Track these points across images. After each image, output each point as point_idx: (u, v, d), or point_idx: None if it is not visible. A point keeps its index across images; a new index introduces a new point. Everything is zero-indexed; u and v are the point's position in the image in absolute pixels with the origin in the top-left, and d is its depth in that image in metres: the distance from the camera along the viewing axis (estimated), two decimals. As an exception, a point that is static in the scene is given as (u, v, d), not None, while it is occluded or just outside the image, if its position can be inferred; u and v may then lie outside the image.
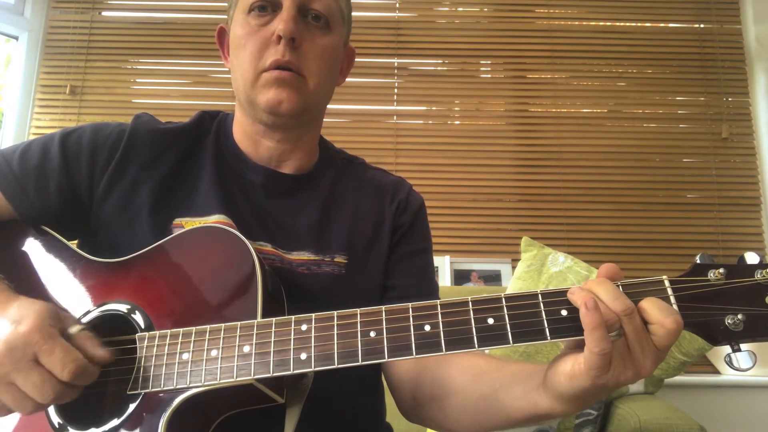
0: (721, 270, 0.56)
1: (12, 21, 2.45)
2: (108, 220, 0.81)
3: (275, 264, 0.81)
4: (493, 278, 2.26)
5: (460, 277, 2.25)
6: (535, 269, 1.82)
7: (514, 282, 1.84)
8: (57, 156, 0.80)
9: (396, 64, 2.50)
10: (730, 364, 0.55)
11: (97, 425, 0.62)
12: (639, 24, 2.52)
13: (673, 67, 2.47)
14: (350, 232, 0.87)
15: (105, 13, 2.56)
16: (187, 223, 0.80)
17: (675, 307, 0.56)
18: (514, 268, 2.13)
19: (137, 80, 2.52)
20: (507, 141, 2.44)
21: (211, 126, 0.91)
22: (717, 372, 2.20)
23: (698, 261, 0.58)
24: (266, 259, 0.80)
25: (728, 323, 0.55)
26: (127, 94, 2.49)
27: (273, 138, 0.86)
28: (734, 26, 2.50)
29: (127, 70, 2.51)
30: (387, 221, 0.90)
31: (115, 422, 0.61)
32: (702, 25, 2.50)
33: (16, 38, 2.50)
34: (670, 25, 2.52)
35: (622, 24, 2.52)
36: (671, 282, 0.57)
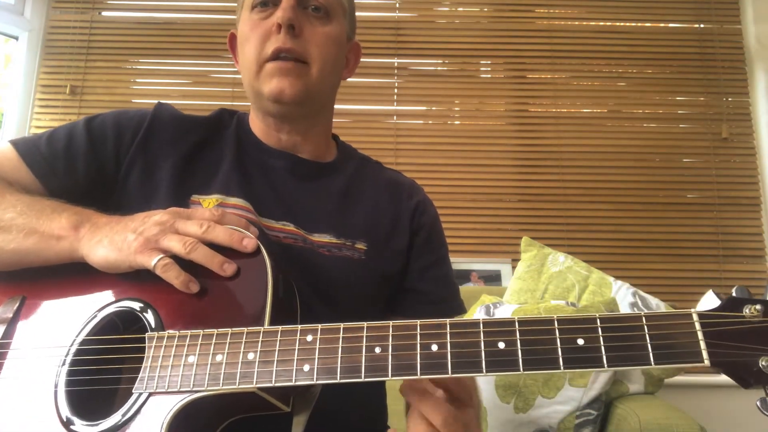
0: (758, 306, 0.52)
1: (12, 21, 2.45)
2: (129, 197, 0.83)
3: (298, 244, 0.82)
4: (493, 278, 2.26)
5: (460, 277, 2.25)
6: (535, 269, 1.82)
7: (514, 282, 1.84)
8: (83, 138, 0.84)
9: (396, 64, 2.50)
10: (763, 408, 0.50)
11: (103, 421, 0.63)
12: (639, 24, 2.52)
13: (673, 67, 2.46)
14: (369, 221, 0.89)
15: (105, 13, 2.56)
16: (205, 201, 0.82)
17: (702, 344, 0.52)
18: (514, 268, 2.12)
19: (137, 80, 2.52)
20: (507, 141, 2.43)
21: (231, 121, 0.94)
22: (717, 372, 2.19)
23: (734, 294, 0.53)
24: (288, 238, 0.82)
25: (762, 365, 0.50)
26: (127, 94, 2.49)
27: (283, 130, 0.89)
28: (734, 26, 2.50)
29: (127, 70, 2.51)
30: (405, 216, 0.92)
31: (119, 419, 0.62)
32: (702, 25, 2.50)
33: (16, 38, 2.49)
34: (670, 25, 2.52)
35: (622, 24, 2.52)
36: (700, 316, 0.53)
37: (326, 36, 0.85)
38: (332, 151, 0.96)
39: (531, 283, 1.79)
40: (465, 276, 2.26)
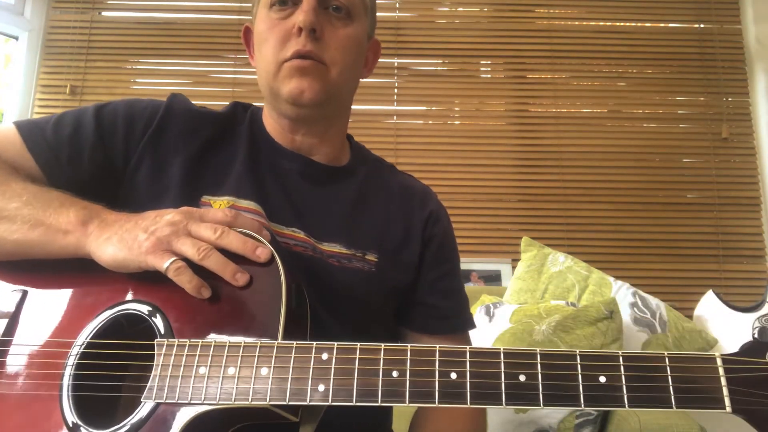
0: None
1: (12, 21, 2.45)
2: (138, 191, 0.81)
3: (307, 252, 0.80)
4: (493, 278, 2.26)
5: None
6: (535, 269, 1.82)
7: (514, 282, 1.84)
8: (91, 126, 0.81)
9: (396, 64, 2.50)
10: None
11: (109, 429, 0.61)
12: (639, 24, 2.52)
13: (673, 67, 2.47)
14: (381, 231, 0.87)
15: (105, 13, 2.56)
16: (216, 202, 0.80)
17: (725, 390, 0.52)
18: (514, 268, 2.13)
19: (137, 80, 2.52)
20: (507, 141, 2.44)
21: (245, 116, 0.91)
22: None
23: (757, 337, 0.54)
24: (298, 246, 0.80)
25: None
26: (127, 94, 2.49)
27: (299, 132, 0.87)
28: (734, 26, 2.50)
29: (127, 70, 2.51)
30: (417, 226, 0.90)
31: (126, 428, 0.60)
32: (702, 25, 2.50)
33: (16, 38, 2.50)
34: (670, 25, 2.52)
35: (622, 24, 2.52)
36: (724, 361, 0.53)
37: (347, 38, 0.83)
38: (346, 153, 0.94)
39: (531, 283, 1.79)
40: (465, 276, 2.26)
